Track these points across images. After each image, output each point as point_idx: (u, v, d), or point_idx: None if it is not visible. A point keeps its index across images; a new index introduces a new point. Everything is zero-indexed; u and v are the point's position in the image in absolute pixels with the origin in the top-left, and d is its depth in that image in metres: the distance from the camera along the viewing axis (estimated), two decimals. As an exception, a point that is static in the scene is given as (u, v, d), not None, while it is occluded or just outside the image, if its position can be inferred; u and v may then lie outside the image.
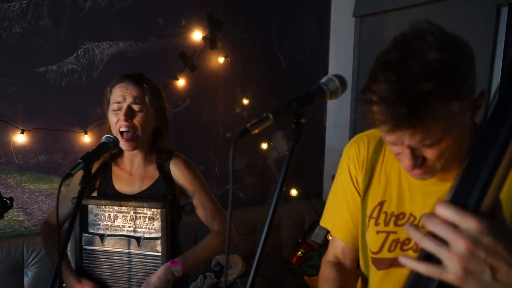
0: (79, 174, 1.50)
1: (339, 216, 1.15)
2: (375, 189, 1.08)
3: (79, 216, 1.50)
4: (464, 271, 0.55)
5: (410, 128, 0.81)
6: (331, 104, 3.42)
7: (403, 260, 0.61)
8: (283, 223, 3.15)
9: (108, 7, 2.60)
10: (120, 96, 1.40)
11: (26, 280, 2.35)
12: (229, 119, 3.07)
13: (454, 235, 0.56)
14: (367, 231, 1.08)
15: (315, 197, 3.36)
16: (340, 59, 3.27)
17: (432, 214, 0.59)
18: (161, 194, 1.48)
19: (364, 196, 1.09)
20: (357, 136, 1.15)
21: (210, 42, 2.88)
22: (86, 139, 2.59)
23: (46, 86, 2.51)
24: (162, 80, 2.78)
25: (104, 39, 2.62)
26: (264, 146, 3.09)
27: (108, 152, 1.35)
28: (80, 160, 1.20)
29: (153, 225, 1.45)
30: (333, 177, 1.22)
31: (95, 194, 1.58)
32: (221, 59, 2.92)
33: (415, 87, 0.77)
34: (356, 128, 3.21)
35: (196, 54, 2.85)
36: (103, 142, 1.33)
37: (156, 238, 1.45)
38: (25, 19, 2.41)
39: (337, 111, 3.37)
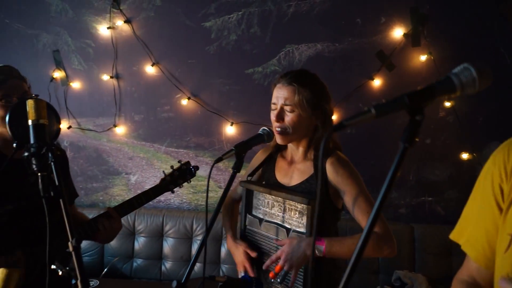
0: (257, 159, 1.69)
1: (472, 230, 0.97)
2: None
3: (246, 198, 1.66)
4: None
5: None
6: None
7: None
8: None
9: (309, 11, 2.74)
10: (275, 98, 1.48)
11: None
12: (430, 123, 2.76)
13: None
14: (506, 252, 0.87)
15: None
16: None
17: None
18: (314, 190, 1.48)
19: (507, 209, 0.88)
20: (509, 140, 0.95)
21: (413, 39, 2.66)
22: (281, 134, 2.82)
23: (252, 85, 2.86)
24: (356, 80, 2.75)
25: (304, 41, 2.78)
26: (465, 156, 2.64)
27: (261, 143, 1.45)
28: (233, 148, 1.34)
29: (302, 219, 1.47)
30: None
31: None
32: (423, 57, 2.65)
33: None
34: None
35: (395, 52, 2.68)
36: (258, 133, 1.44)
37: (303, 233, 1.46)
38: (240, 28, 2.81)
39: None
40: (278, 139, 1.49)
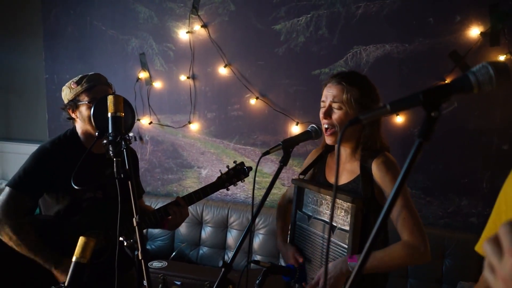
0: (310, 158, 1.76)
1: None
2: None
3: (297, 195, 1.74)
4: None
5: None
6: None
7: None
8: None
9: (378, 11, 2.72)
10: (324, 96, 1.54)
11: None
12: (508, 128, 2.58)
13: (509, 248, 0.46)
14: None
15: None
16: None
17: None
18: (360, 190, 1.51)
19: None
20: None
21: (491, 38, 2.51)
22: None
23: (318, 86, 2.87)
24: (426, 82, 2.66)
25: (372, 42, 2.76)
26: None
27: (308, 139, 1.52)
28: (280, 142, 1.43)
29: (347, 218, 1.51)
30: None
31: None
32: (501, 57, 2.49)
33: None
34: None
35: (470, 52, 2.55)
36: (307, 130, 1.51)
37: (347, 231, 1.50)
38: (308, 30, 2.89)
39: None
40: (327, 140, 1.55)
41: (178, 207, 1.76)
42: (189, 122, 3.29)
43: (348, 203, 1.49)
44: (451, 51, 2.59)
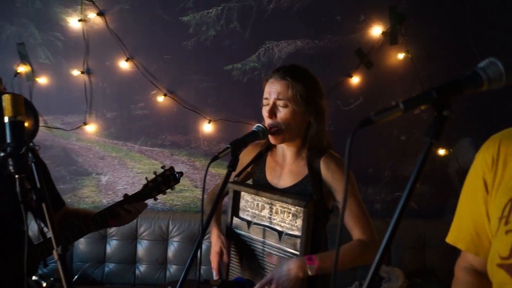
0: (245, 156, 1.61)
1: (461, 225, 1.03)
2: (506, 184, 0.92)
3: (233, 200, 1.60)
4: None
5: None
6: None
7: None
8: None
9: (289, 7, 2.71)
10: (267, 93, 1.43)
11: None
12: (405, 120, 2.81)
13: None
14: (496, 234, 0.92)
15: None
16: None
17: None
18: (308, 192, 1.44)
19: (495, 196, 0.93)
20: (490, 137, 1.01)
21: (391, 37, 2.69)
22: (260, 132, 2.78)
23: (231, 82, 2.80)
24: (335, 78, 2.75)
25: (284, 38, 2.75)
26: (442, 152, 2.71)
27: (255, 140, 1.40)
28: (229, 145, 1.28)
29: (296, 222, 1.43)
30: None
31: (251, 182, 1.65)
32: (400, 56, 2.69)
33: None
34: None
35: (373, 50, 2.71)
36: (253, 130, 1.39)
37: (297, 236, 1.42)
38: (219, 23, 2.75)
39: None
40: (272, 140, 1.44)
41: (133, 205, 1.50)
42: (85, 124, 2.88)
43: (297, 207, 1.41)
44: (357, 48, 2.71)
